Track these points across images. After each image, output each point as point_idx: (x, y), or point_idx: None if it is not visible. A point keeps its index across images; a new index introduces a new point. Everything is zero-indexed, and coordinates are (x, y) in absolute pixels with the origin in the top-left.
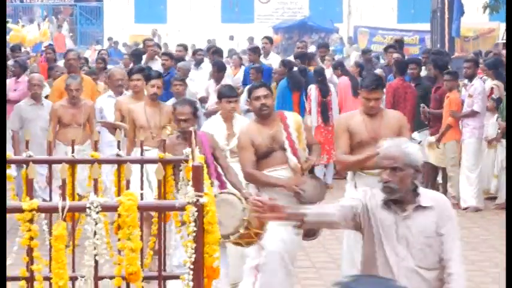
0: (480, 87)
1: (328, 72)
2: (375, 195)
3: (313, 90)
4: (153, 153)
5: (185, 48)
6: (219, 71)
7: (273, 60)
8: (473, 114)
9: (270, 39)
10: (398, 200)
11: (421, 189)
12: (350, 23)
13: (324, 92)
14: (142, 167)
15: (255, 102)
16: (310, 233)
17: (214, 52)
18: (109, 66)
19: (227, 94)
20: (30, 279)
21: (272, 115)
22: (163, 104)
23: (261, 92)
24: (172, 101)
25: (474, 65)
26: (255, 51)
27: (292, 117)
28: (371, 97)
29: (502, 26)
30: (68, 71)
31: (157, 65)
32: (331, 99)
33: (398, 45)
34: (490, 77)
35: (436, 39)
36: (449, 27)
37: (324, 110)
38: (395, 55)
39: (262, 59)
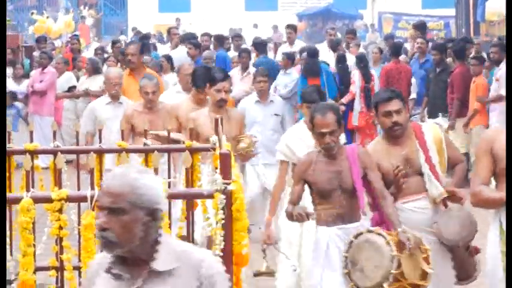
0: None
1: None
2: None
3: (356, 75)
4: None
5: (210, 37)
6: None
7: (299, 48)
8: (500, 98)
9: (293, 28)
10: (128, 261)
11: (167, 243)
12: (374, 9)
13: (367, 77)
14: (169, 156)
15: (385, 119)
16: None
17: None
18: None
19: (310, 99)
20: (60, 269)
21: (405, 131)
22: (231, 109)
23: (392, 106)
24: (248, 101)
25: (501, 49)
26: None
27: (430, 131)
28: None
29: None
30: (130, 68)
31: (179, 53)
32: (373, 85)
33: (420, 29)
34: None
35: (460, 24)
36: (474, 11)
37: (367, 95)
38: (419, 40)
39: (287, 46)
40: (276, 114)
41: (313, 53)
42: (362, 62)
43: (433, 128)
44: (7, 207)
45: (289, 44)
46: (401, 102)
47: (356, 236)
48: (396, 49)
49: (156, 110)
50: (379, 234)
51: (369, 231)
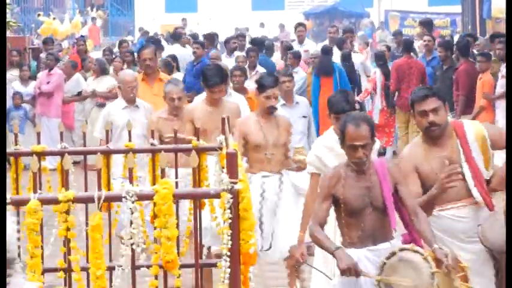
0: None
1: (361, 57)
2: None
3: (378, 73)
4: (273, 180)
5: (217, 36)
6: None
7: (309, 47)
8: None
9: (304, 26)
10: None
11: None
12: (381, 7)
13: (387, 75)
14: (176, 156)
15: (421, 119)
16: None
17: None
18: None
19: (339, 109)
20: (68, 270)
21: (445, 131)
22: (279, 116)
23: (428, 105)
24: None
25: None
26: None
27: (472, 128)
28: None
29: None
30: (145, 73)
31: (185, 53)
32: (392, 82)
33: (426, 27)
34: None
35: (467, 21)
36: (480, 8)
37: (387, 93)
38: (426, 37)
39: (296, 45)
40: (303, 116)
41: (326, 51)
42: (381, 59)
43: (475, 125)
44: (14, 209)
45: (298, 42)
46: (438, 101)
47: (388, 257)
48: (407, 45)
49: (182, 117)
50: (415, 251)
51: (402, 250)
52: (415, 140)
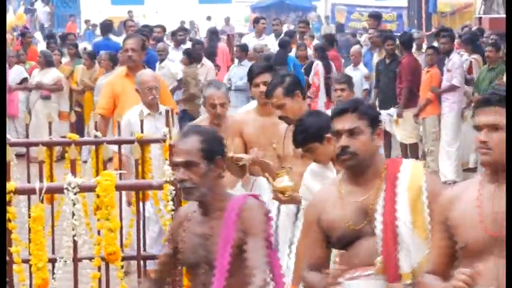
0: (458, 62)
1: (309, 51)
2: None
3: (320, 66)
4: None
5: (163, 29)
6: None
7: (268, 41)
8: (452, 88)
9: (265, 20)
10: None
11: None
12: (328, 1)
13: (328, 68)
14: (119, 149)
15: (335, 142)
16: None
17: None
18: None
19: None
20: (9, 262)
21: (371, 167)
22: None
23: (344, 123)
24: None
25: (450, 40)
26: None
27: (408, 173)
28: None
29: (479, 1)
30: (128, 67)
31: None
32: (332, 76)
33: (375, 19)
34: (467, 51)
35: (413, 16)
36: (426, 3)
37: (328, 86)
38: (371, 31)
39: (254, 38)
40: None
41: (283, 44)
42: (322, 52)
43: (415, 169)
44: None
45: (256, 35)
46: (360, 121)
47: None
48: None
49: (225, 127)
50: None
51: None
52: (335, 177)
